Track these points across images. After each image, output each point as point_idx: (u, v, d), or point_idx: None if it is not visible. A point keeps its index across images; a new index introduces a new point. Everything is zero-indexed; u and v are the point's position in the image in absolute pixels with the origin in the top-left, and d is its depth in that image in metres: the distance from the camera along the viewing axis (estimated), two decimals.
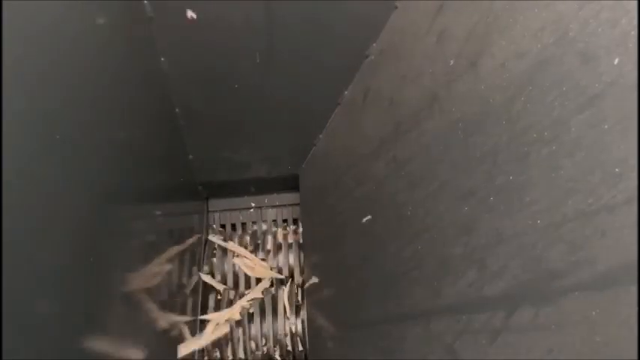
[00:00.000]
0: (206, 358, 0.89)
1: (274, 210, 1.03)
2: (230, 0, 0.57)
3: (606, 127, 0.26)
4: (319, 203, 0.87)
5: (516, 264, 0.33)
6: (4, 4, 0.29)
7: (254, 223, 1.02)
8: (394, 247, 0.54)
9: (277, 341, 0.92)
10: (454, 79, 0.41)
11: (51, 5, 0.36)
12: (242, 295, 0.93)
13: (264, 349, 0.91)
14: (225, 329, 0.90)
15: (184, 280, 0.83)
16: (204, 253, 0.96)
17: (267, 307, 0.93)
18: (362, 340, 0.63)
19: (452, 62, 0.42)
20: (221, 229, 1.01)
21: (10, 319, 0.30)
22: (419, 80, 0.48)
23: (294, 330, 0.92)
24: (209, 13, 0.58)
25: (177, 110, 0.74)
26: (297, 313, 0.93)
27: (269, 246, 0.99)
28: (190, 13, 0.56)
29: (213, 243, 0.98)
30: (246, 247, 0.98)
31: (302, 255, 0.97)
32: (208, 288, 0.94)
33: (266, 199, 1.03)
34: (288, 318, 0.93)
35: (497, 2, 0.35)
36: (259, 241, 0.99)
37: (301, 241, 0.98)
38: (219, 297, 0.94)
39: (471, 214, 0.39)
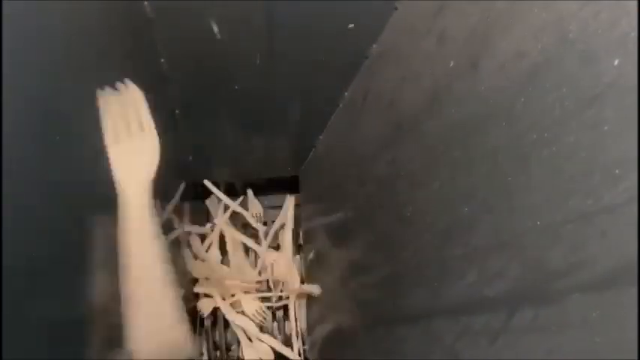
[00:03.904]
0: (205, 357, 0.89)
1: (275, 211, 1.03)
2: (230, 0, 0.57)
3: (606, 128, 0.26)
4: (319, 204, 0.87)
5: (516, 265, 0.33)
6: (4, 3, 0.29)
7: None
8: (394, 248, 0.54)
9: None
10: (454, 80, 0.41)
11: (51, 6, 0.36)
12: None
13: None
14: None
15: (181, 280, 0.83)
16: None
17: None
18: (362, 340, 0.63)
19: (452, 63, 0.42)
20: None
21: (9, 319, 0.30)
22: (419, 81, 0.48)
23: (293, 331, 0.92)
24: (209, 14, 0.58)
25: (177, 111, 0.74)
26: (296, 314, 0.93)
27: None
28: None
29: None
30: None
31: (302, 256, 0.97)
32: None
33: (266, 200, 1.02)
34: (287, 319, 0.93)
35: (497, 2, 0.36)
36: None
37: (301, 242, 0.98)
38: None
39: (471, 215, 0.39)
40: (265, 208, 1.02)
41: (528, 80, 0.32)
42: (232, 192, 1.00)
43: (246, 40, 0.63)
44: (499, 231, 0.35)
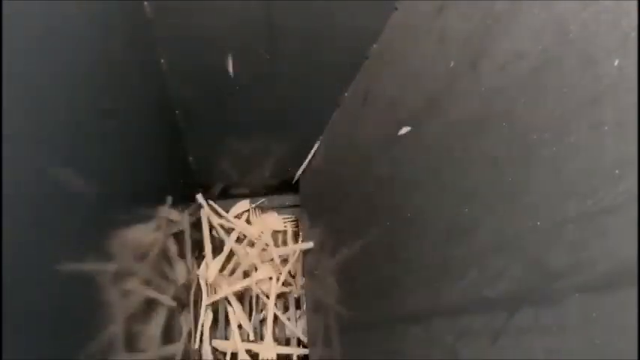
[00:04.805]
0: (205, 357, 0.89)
1: (274, 212, 1.03)
2: (230, 0, 0.57)
3: (606, 128, 0.26)
4: (319, 205, 0.87)
5: (517, 265, 0.33)
6: (4, 3, 0.29)
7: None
8: (394, 249, 0.54)
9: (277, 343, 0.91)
10: (454, 80, 0.42)
11: (50, 6, 0.36)
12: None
13: None
14: None
15: (182, 281, 0.83)
16: (202, 253, 0.96)
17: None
18: (362, 341, 0.63)
19: (452, 64, 0.42)
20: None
21: (9, 319, 0.30)
22: (419, 82, 0.48)
23: (294, 332, 0.92)
24: (209, 14, 0.58)
25: (177, 112, 0.74)
26: (297, 315, 0.93)
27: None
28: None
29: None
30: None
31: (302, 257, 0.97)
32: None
33: (266, 200, 1.02)
34: (288, 319, 0.93)
35: (497, 3, 0.36)
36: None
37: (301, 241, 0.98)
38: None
39: (471, 216, 0.39)
40: (265, 208, 1.02)
41: (528, 81, 0.32)
42: (232, 193, 1.00)
43: (246, 40, 0.63)
44: (499, 231, 0.35)
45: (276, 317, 0.91)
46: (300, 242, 0.95)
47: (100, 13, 0.46)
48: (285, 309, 0.95)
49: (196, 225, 0.94)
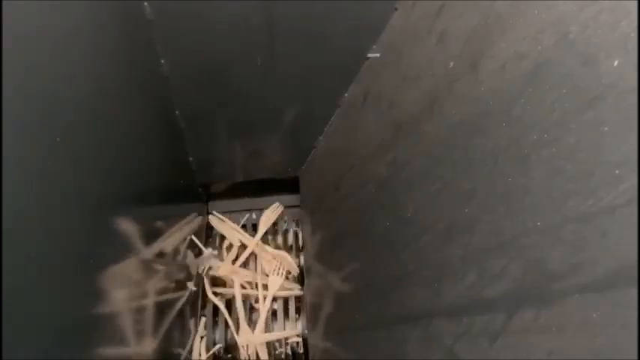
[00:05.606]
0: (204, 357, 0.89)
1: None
2: (230, 1, 0.57)
3: (606, 128, 0.26)
4: (319, 205, 0.87)
5: (516, 266, 0.33)
6: (4, 4, 0.29)
7: (254, 225, 1.02)
8: (394, 249, 0.54)
9: (277, 344, 0.91)
10: (454, 80, 0.42)
11: (50, 7, 0.36)
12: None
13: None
14: None
15: (184, 281, 0.83)
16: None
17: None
18: (362, 342, 0.63)
19: (452, 64, 0.42)
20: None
21: (9, 320, 0.30)
22: (419, 82, 0.48)
23: (294, 333, 0.92)
24: (209, 14, 0.58)
25: (177, 112, 0.74)
26: (296, 316, 0.93)
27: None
28: None
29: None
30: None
31: (302, 257, 0.97)
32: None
33: (266, 201, 1.03)
34: (287, 320, 0.93)
35: (497, 3, 0.36)
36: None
37: (301, 243, 0.98)
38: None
39: (471, 216, 0.39)
40: (264, 208, 1.02)
41: (528, 81, 0.32)
42: (232, 193, 1.00)
43: (246, 40, 0.63)
44: (499, 232, 0.35)
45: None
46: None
47: (101, 13, 0.46)
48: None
49: (197, 226, 0.94)
